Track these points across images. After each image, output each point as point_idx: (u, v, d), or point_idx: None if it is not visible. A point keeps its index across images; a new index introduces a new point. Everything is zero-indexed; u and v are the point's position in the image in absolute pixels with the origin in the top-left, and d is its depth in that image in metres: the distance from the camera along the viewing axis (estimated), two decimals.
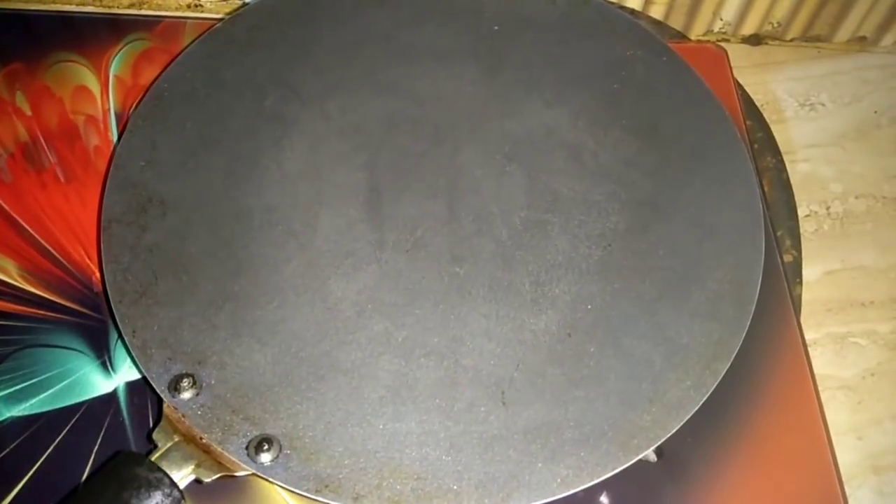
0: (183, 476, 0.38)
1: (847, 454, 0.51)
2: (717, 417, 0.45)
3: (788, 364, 0.49)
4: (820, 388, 0.49)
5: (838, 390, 0.57)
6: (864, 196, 0.63)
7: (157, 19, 0.59)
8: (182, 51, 0.51)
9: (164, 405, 0.40)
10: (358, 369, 0.42)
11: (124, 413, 0.46)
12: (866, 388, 0.57)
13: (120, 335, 0.42)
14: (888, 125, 0.67)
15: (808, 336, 0.52)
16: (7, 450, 0.44)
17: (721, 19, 0.67)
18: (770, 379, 0.48)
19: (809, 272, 0.58)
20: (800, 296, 0.56)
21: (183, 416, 0.39)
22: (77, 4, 0.63)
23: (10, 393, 0.46)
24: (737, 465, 0.45)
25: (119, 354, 0.47)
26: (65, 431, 0.45)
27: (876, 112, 0.67)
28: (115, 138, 0.54)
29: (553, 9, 0.54)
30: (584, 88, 0.51)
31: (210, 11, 0.64)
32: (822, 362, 0.56)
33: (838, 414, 0.54)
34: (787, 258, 0.56)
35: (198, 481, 0.39)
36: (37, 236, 0.51)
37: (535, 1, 0.54)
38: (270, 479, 0.38)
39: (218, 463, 0.39)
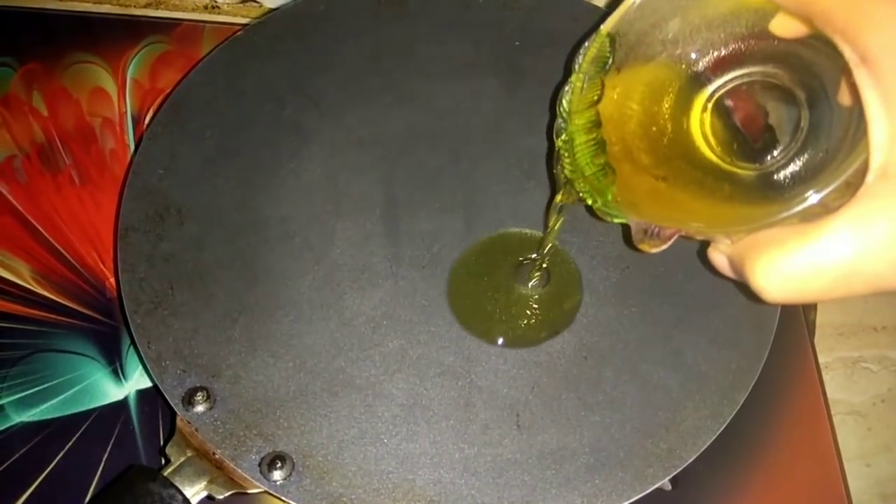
0: (195, 492, 0.38)
1: (855, 481, 0.51)
2: (731, 444, 0.45)
3: (802, 392, 0.49)
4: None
5: (848, 415, 0.57)
6: None
7: (175, 22, 0.59)
8: (202, 58, 0.50)
9: (178, 418, 0.40)
10: (372, 386, 0.42)
11: (135, 422, 0.45)
12: (876, 415, 0.57)
13: (134, 345, 0.42)
14: None
15: (820, 360, 0.52)
16: (16, 455, 0.44)
17: None
18: (784, 407, 0.48)
19: None
20: (814, 321, 0.55)
21: (196, 430, 0.39)
22: (94, 3, 0.62)
23: (20, 398, 0.46)
24: (750, 493, 0.45)
25: (131, 361, 0.47)
26: (74, 438, 0.45)
27: None
28: (131, 142, 0.54)
29: (575, 25, 0.53)
30: None
31: (227, 14, 0.63)
32: (833, 387, 0.56)
33: (848, 440, 0.54)
34: None
35: (210, 498, 0.39)
36: (50, 239, 0.50)
37: (557, 17, 0.53)
38: (283, 498, 0.38)
39: (230, 479, 0.39)
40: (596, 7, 0.55)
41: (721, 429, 0.40)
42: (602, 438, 0.41)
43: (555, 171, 0.39)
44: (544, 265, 0.46)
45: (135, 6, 0.62)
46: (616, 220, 0.36)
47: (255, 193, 0.47)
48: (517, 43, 0.53)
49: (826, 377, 0.53)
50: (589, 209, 0.38)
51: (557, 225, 0.43)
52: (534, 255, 0.46)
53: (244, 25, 0.53)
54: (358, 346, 0.43)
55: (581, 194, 0.38)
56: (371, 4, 0.53)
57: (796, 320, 0.51)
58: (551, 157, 0.49)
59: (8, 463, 0.44)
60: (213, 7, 0.64)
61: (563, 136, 0.38)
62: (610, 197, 0.36)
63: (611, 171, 0.37)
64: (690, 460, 0.40)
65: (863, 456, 0.55)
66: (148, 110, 0.55)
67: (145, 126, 0.53)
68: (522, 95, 0.51)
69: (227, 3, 0.63)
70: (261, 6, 0.62)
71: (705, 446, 0.40)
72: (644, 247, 0.35)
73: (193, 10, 0.63)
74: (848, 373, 0.58)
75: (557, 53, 0.52)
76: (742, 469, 0.46)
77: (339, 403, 0.41)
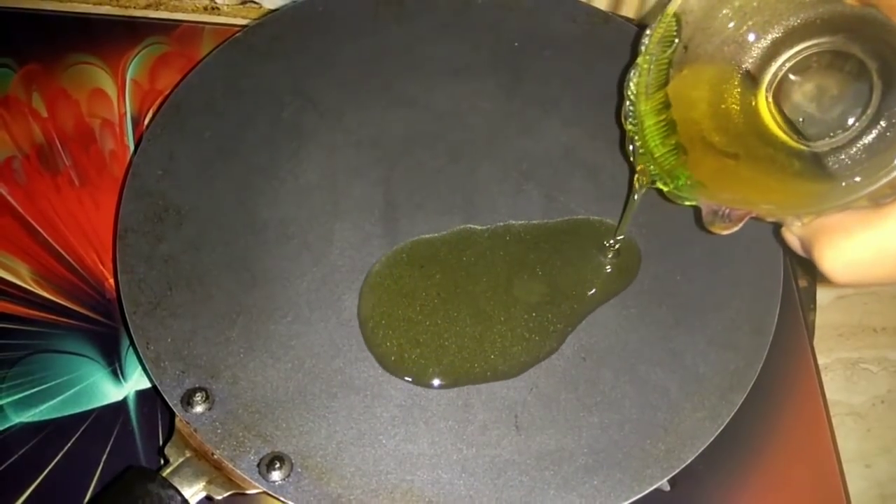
0: (194, 493, 0.38)
1: (855, 482, 0.51)
2: (730, 445, 0.45)
3: (801, 393, 0.49)
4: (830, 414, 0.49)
5: (847, 416, 0.56)
6: None
7: (175, 23, 0.59)
8: (201, 60, 0.50)
9: (177, 419, 0.40)
10: (370, 387, 0.42)
11: (133, 423, 0.45)
12: (876, 416, 0.56)
13: (133, 346, 0.42)
14: None
15: (819, 361, 0.52)
16: (15, 456, 0.44)
17: None
18: (783, 408, 0.48)
19: (822, 296, 0.58)
20: (813, 322, 0.55)
21: (195, 430, 0.39)
22: (93, 4, 0.62)
23: (19, 398, 0.46)
24: (748, 495, 0.45)
25: (130, 362, 0.47)
26: (74, 439, 0.45)
27: None
28: (130, 143, 0.54)
29: (573, 27, 0.53)
30: (603, 108, 0.51)
31: (227, 15, 0.63)
32: (833, 388, 0.56)
33: (847, 441, 0.53)
34: (802, 283, 0.56)
35: (209, 498, 0.39)
36: (50, 240, 0.50)
37: (556, 18, 0.53)
38: (281, 499, 0.38)
39: (229, 480, 0.39)
40: (595, 8, 0.55)
41: (719, 430, 0.40)
42: (600, 439, 0.41)
43: (629, 155, 0.39)
44: (617, 247, 0.46)
45: (134, 7, 0.62)
46: (687, 203, 0.37)
47: (254, 195, 0.47)
48: (516, 44, 0.53)
49: (825, 378, 0.53)
50: (661, 192, 0.38)
51: (633, 208, 0.43)
52: (610, 242, 0.46)
53: (243, 27, 0.53)
54: (356, 347, 0.43)
55: (652, 177, 0.38)
56: (370, 6, 0.53)
57: (795, 321, 0.51)
58: (548, 159, 0.50)
59: (7, 463, 0.44)
60: (212, 8, 0.64)
61: (632, 120, 0.38)
62: (682, 180, 0.37)
63: (682, 152, 0.37)
64: (689, 461, 0.40)
65: (862, 457, 0.55)
66: (147, 111, 0.55)
67: (145, 127, 0.53)
68: (521, 96, 0.51)
69: (227, 5, 0.63)
70: (260, 7, 0.63)
71: (704, 447, 0.40)
72: (715, 229, 0.35)
73: (193, 11, 0.63)
74: (847, 374, 0.58)
75: (556, 55, 0.53)
76: (741, 470, 0.46)
77: (337, 404, 0.41)
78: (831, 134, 0.34)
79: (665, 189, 0.37)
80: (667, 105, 0.37)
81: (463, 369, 0.43)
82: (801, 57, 0.36)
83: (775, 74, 0.36)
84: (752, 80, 0.36)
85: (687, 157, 0.37)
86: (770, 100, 0.36)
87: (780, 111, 0.36)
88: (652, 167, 0.38)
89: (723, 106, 0.37)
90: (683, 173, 0.37)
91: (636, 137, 0.38)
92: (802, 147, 0.35)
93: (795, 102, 0.36)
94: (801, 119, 0.36)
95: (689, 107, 0.37)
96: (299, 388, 0.41)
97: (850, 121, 0.34)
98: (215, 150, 0.47)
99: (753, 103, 0.36)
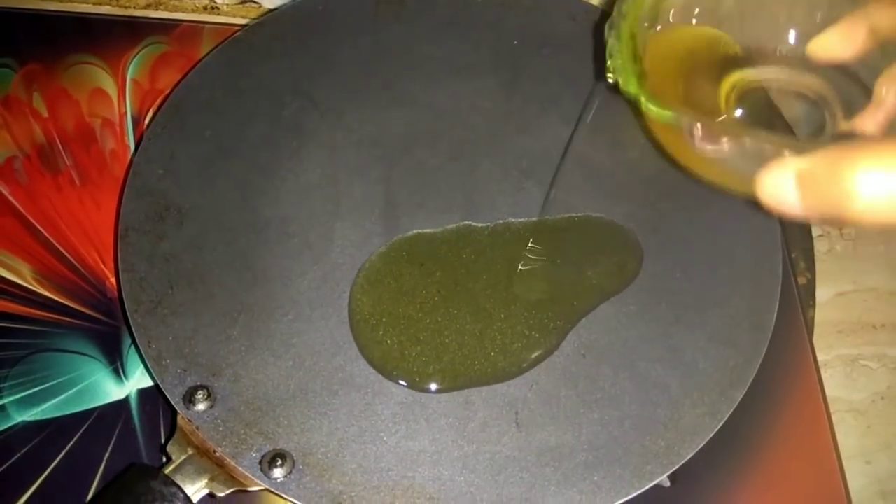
0: (196, 490, 0.38)
1: (855, 478, 0.51)
2: (729, 441, 0.45)
3: (801, 390, 0.49)
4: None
5: (847, 413, 0.57)
6: None
7: (175, 23, 0.59)
8: (201, 59, 0.51)
9: (179, 417, 0.40)
10: (371, 385, 0.42)
11: (135, 421, 0.46)
12: (875, 412, 0.57)
13: (135, 344, 0.42)
14: None
15: (819, 358, 0.52)
16: (17, 455, 0.44)
17: None
18: (782, 404, 0.48)
19: (821, 293, 0.58)
20: (813, 319, 0.56)
21: (197, 428, 0.39)
22: (93, 4, 0.62)
23: (21, 397, 0.46)
24: (748, 491, 0.45)
25: (131, 361, 0.47)
26: (76, 438, 0.45)
27: None
28: (131, 142, 0.54)
29: (573, 25, 0.53)
30: (603, 106, 0.51)
31: (227, 15, 0.63)
32: (832, 385, 0.56)
33: (847, 438, 0.54)
34: (801, 280, 0.56)
35: (211, 495, 0.39)
36: (51, 239, 0.51)
37: (555, 17, 0.54)
38: (283, 496, 0.38)
39: (231, 477, 0.39)
40: (594, 7, 0.55)
41: (719, 426, 0.41)
42: (601, 436, 0.41)
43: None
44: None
45: (134, 7, 0.63)
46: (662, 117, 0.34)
47: (255, 193, 0.47)
48: (516, 43, 0.53)
49: (825, 375, 0.53)
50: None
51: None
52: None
53: (243, 26, 0.53)
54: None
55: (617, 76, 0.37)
56: (370, 4, 0.53)
57: (795, 318, 0.51)
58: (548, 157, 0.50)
59: (9, 462, 0.44)
60: (212, 8, 0.64)
61: (613, 35, 0.38)
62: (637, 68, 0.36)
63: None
64: (688, 457, 0.40)
65: (862, 454, 0.55)
66: (148, 111, 0.55)
67: (145, 126, 0.53)
68: (521, 95, 0.52)
69: (227, 4, 0.63)
70: (260, 7, 0.63)
71: (703, 443, 0.40)
72: (698, 145, 0.33)
73: (193, 10, 0.63)
74: (847, 370, 0.58)
75: (556, 53, 0.53)
76: (741, 467, 0.46)
77: (338, 401, 0.41)
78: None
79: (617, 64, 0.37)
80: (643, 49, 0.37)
81: (463, 367, 0.43)
82: (776, 83, 0.36)
83: (748, 82, 0.36)
84: (722, 70, 0.37)
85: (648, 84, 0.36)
86: (733, 97, 0.36)
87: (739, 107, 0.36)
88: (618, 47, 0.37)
89: (696, 65, 0.37)
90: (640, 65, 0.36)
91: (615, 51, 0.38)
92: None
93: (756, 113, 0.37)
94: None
95: (670, 50, 0.37)
96: (300, 386, 0.42)
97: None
98: (216, 149, 0.48)
99: (716, 89, 0.37)
